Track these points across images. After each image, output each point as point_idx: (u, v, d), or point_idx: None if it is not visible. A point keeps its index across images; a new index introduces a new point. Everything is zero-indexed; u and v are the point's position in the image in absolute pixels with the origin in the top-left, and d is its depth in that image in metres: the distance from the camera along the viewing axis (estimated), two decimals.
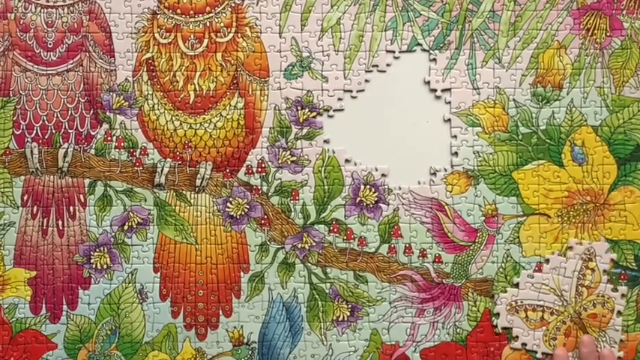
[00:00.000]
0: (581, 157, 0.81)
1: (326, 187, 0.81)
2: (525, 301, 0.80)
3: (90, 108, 0.81)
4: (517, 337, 0.80)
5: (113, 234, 0.81)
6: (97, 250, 0.81)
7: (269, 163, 0.81)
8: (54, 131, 0.81)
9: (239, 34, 0.81)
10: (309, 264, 0.81)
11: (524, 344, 0.80)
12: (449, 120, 0.82)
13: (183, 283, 0.81)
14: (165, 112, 0.81)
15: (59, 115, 0.81)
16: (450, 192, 0.81)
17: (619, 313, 0.80)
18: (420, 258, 0.81)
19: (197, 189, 0.81)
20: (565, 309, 0.79)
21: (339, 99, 0.82)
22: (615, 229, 0.81)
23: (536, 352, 0.80)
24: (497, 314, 0.80)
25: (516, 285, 0.80)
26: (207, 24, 0.81)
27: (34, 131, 0.81)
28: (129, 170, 0.81)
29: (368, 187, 0.81)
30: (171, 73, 0.81)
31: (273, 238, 0.81)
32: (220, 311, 0.81)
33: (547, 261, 0.80)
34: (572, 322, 0.79)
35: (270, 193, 0.81)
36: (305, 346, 0.81)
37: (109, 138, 0.81)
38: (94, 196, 0.81)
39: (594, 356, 0.78)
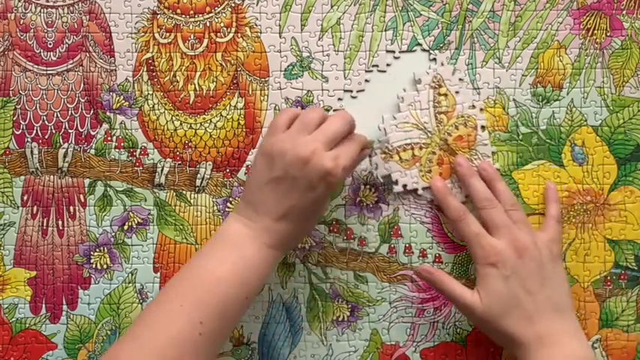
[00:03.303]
0: (581, 157, 0.81)
1: None
2: (395, 144, 0.79)
3: (90, 108, 0.81)
4: (396, 181, 0.79)
5: (113, 234, 0.81)
6: (97, 250, 0.81)
7: None
8: (54, 131, 0.81)
9: (239, 34, 0.81)
10: (309, 264, 0.81)
11: (404, 185, 0.79)
12: None
13: None
14: (166, 112, 0.81)
15: (59, 115, 0.81)
16: None
17: (482, 127, 0.80)
18: (420, 258, 0.81)
19: (197, 189, 0.81)
20: (431, 139, 0.79)
21: (339, 99, 0.82)
22: (615, 229, 0.81)
23: (416, 190, 0.80)
24: (376, 165, 0.79)
25: (383, 131, 0.79)
26: (207, 24, 0.81)
27: (34, 131, 0.81)
28: (129, 170, 0.81)
29: (368, 187, 0.81)
30: (172, 73, 0.81)
31: None
32: None
33: (402, 99, 0.80)
34: (442, 150, 0.79)
35: None
36: (305, 346, 0.81)
37: (109, 138, 0.81)
38: (94, 196, 0.81)
39: (472, 172, 0.77)
